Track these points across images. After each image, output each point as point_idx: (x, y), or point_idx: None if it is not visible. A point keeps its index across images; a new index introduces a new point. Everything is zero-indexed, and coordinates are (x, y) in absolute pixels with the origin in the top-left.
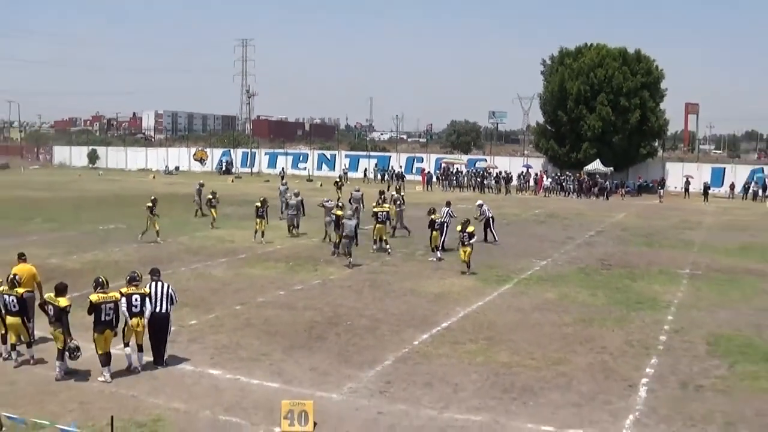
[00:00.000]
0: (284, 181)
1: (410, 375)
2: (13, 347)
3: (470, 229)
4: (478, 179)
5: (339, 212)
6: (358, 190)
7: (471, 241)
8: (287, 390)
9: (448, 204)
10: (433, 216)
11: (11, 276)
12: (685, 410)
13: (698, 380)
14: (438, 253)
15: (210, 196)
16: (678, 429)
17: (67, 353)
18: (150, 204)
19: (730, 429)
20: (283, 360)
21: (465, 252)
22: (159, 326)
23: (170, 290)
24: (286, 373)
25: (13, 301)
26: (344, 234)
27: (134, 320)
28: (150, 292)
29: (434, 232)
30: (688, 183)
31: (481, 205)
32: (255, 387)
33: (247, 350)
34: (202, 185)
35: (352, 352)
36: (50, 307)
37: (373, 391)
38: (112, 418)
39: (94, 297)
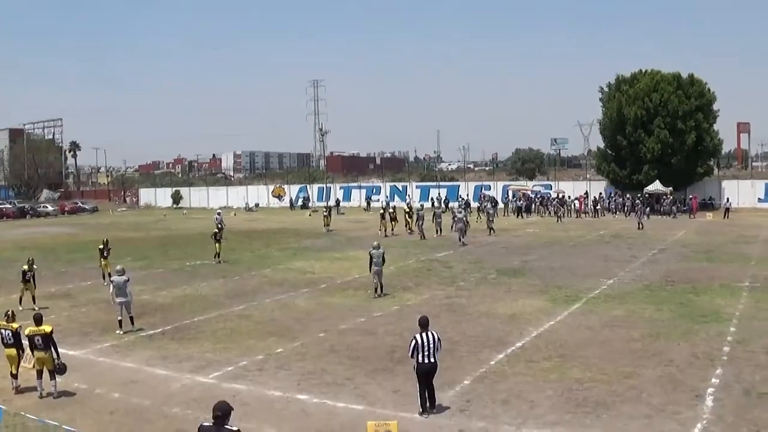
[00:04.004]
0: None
1: (488, 393)
2: (39, 375)
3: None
4: (555, 205)
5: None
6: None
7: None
8: (372, 412)
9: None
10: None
11: (34, 315)
12: (750, 417)
13: (761, 388)
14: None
15: None
16: None
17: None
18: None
19: None
20: (367, 383)
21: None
22: None
23: None
24: (370, 395)
25: (39, 340)
26: (373, 263)
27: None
28: None
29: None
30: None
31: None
32: (341, 410)
33: (331, 375)
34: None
35: None
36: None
37: (454, 410)
38: None
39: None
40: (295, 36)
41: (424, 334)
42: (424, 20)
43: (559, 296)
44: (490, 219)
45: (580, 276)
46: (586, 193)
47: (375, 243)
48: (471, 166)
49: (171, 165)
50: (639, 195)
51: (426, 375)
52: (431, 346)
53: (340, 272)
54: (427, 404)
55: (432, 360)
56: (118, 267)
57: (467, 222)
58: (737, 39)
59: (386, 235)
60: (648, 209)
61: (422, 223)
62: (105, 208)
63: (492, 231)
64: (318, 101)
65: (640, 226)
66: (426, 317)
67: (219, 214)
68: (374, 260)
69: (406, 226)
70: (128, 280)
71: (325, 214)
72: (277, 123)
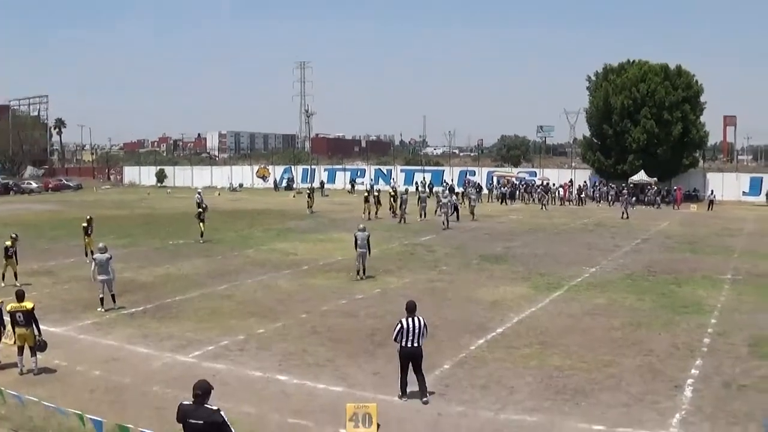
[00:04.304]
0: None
1: (467, 378)
2: (20, 351)
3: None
4: (540, 192)
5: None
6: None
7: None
8: (351, 394)
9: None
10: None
11: (16, 291)
12: (729, 409)
13: (741, 380)
14: None
15: None
16: (722, 427)
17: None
18: None
19: None
20: (347, 365)
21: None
22: None
23: None
24: (350, 377)
25: (20, 316)
26: (357, 245)
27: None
28: None
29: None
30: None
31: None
32: (321, 391)
33: (312, 356)
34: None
35: None
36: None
37: (433, 394)
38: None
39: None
40: (283, 17)
41: (410, 319)
42: (413, 5)
43: (541, 283)
44: (472, 204)
45: (563, 263)
46: (571, 181)
47: (361, 225)
48: (456, 151)
49: (156, 143)
50: (624, 185)
51: (408, 359)
52: (417, 331)
53: (323, 254)
54: (409, 390)
55: (416, 345)
56: (101, 245)
57: (456, 207)
58: (727, 33)
59: (370, 218)
60: (634, 199)
61: (405, 207)
62: (89, 185)
63: (473, 216)
64: (304, 83)
65: (625, 215)
66: (413, 302)
67: (200, 193)
68: (359, 242)
69: (390, 209)
70: (110, 258)
71: (308, 195)
72: (263, 104)
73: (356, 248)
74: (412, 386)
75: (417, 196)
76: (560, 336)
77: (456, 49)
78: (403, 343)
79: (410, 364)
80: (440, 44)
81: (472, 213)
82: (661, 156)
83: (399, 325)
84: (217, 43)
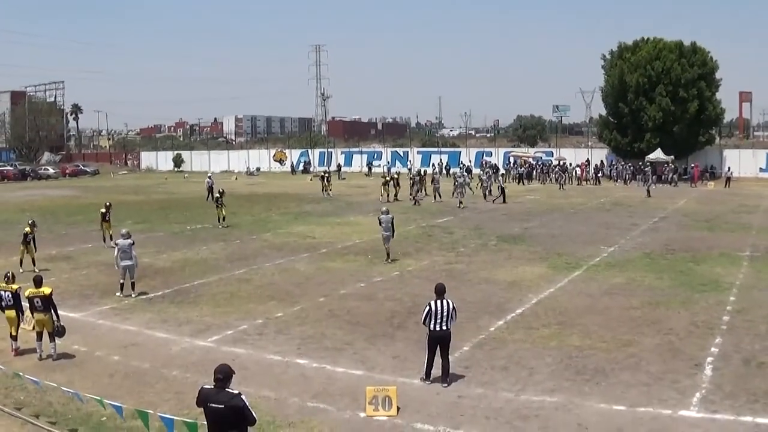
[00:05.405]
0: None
1: (487, 360)
2: (39, 337)
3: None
4: (557, 172)
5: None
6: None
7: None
8: (371, 377)
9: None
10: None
11: (34, 277)
12: (749, 386)
13: (760, 357)
14: None
15: None
16: (742, 404)
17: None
18: None
19: None
20: (366, 348)
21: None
22: None
23: None
24: (370, 360)
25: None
26: (382, 227)
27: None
28: None
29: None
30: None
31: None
32: (340, 375)
33: (331, 340)
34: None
35: None
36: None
37: (452, 377)
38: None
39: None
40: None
41: (438, 302)
42: None
43: (559, 263)
44: (485, 186)
45: (581, 243)
46: (588, 160)
47: (384, 208)
48: (472, 132)
49: (172, 128)
50: (640, 163)
51: (437, 343)
52: (445, 313)
53: (341, 237)
54: (431, 373)
55: (445, 328)
56: (123, 231)
57: (495, 186)
58: (741, 8)
59: (389, 200)
60: (655, 177)
61: (420, 189)
62: (106, 171)
63: (485, 197)
64: (320, 66)
65: (649, 194)
66: (443, 284)
67: (210, 177)
68: (383, 225)
69: (410, 195)
70: (133, 244)
71: (321, 178)
72: (279, 87)
73: (382, 230)
74: (436, 369)
75: (432, 178)
76: (579, 316)
77: (471, 29)
78: (432, 327)
79: (438, 348)
80: (455, 25)
81: (485, 195)
82: (677, 133)
83: (427, 308)
84: (233, 27)
